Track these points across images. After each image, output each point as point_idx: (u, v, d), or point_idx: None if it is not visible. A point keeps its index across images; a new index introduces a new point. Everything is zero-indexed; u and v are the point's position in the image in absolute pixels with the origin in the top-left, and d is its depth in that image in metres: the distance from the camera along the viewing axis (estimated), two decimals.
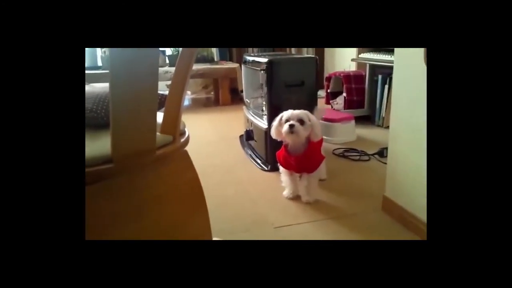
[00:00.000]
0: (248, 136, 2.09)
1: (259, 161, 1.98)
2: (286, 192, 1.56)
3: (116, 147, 0.66)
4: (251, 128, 2.10)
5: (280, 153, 1.52)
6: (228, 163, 2.04)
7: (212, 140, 2.51)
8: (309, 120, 1.40)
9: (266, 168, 1.88)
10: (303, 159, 1.45)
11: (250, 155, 2.09)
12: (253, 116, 2.08)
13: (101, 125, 0.88)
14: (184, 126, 1.01)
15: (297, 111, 1.42)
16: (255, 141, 2.06)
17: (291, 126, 1.36)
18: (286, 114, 1.42)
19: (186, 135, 0.96)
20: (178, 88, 0.88)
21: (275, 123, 1.45)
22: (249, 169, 1.93)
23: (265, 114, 1.86)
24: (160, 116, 0.90)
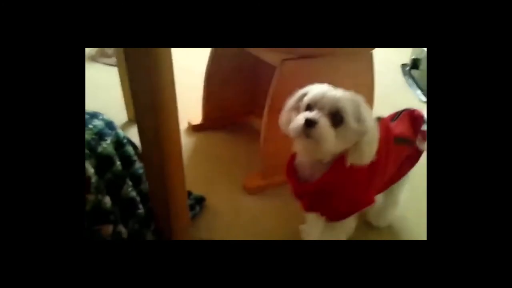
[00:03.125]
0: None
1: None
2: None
3: None
4: None
5: (290, 160, 0.79)
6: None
7: None
8: (359, 119, 0.66)
9: None
10: (317, 190, 0.74)
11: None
12: None
13: None
14: None
15: (338, 93, 0.66)
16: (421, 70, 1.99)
17: (310, 123, 0.63)
18: (312, 92, 0.68)
19: None
20: None
21: (288, 104, 0.74)
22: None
23: None
24: None
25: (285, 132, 0.71)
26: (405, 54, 2.36)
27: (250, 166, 1.25)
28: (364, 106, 0.67)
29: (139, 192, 0.89)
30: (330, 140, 0.63)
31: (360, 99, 0.67)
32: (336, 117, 0.64)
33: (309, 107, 0.67)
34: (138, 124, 0.69)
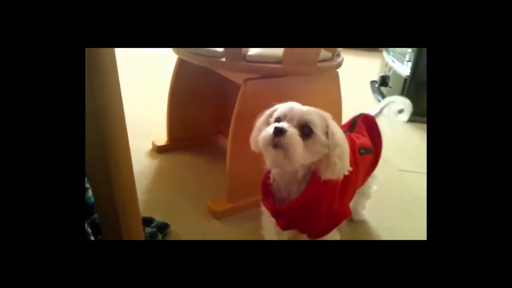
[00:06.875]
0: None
1: None
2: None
3: None
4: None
5: (264, 179, 0.77)
6: None
7: None
8: (326, 131, 0.67)
9: None
10: (295, 210, 0.72)
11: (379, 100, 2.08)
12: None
13: None
14: None
15: (305, 107, 0.67)
16: (390, 87, 2.02)
17: (278, 131, 0.62)
18: (281, 107, 0.69)
19: None
20: None
21: (258, 122, 0.73)
22: None
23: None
24: None
25: (255, 150, 0.70)
26: (373, 71, 2.40)
27: (217, 189, 1.19)
28: (332, 121, 0.68)
29: (92, 223, 0.82)
30: (299, 149, 0.62)
31: (327, 115, 0.68)
32: (305, 129, 0.64)
33: (278, 121, 0.66)
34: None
